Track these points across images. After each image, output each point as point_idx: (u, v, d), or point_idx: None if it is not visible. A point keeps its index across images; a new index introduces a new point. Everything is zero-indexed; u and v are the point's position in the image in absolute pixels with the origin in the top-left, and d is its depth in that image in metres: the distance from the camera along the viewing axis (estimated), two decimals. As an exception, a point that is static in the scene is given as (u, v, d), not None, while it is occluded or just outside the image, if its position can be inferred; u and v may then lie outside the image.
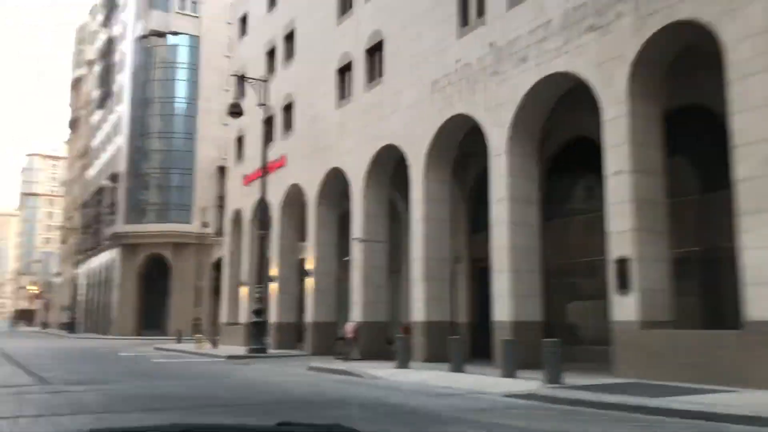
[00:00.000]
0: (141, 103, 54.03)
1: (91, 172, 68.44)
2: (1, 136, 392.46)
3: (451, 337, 15.67)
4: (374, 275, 21.41)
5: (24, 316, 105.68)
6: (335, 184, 24.01)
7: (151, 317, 55.50)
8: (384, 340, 21.14)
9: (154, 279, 56.46)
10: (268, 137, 27.66)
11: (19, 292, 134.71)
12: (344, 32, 23.73)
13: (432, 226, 18.88)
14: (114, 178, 56.19)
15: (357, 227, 21.81)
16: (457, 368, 14.53)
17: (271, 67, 29.19)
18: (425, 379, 13.48)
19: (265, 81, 24.99)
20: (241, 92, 31.54)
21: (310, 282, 24.57)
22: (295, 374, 15.82)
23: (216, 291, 54.19)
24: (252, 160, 29.24)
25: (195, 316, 47.79)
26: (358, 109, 22.46)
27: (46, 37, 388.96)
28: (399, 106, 20.23)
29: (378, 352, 20.39)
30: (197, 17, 54.99)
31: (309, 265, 24.75)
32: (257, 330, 23.19)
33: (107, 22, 66.88)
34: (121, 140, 56.30)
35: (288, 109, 27.56)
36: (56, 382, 13.01)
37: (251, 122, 29.61)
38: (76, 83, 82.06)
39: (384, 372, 14.85)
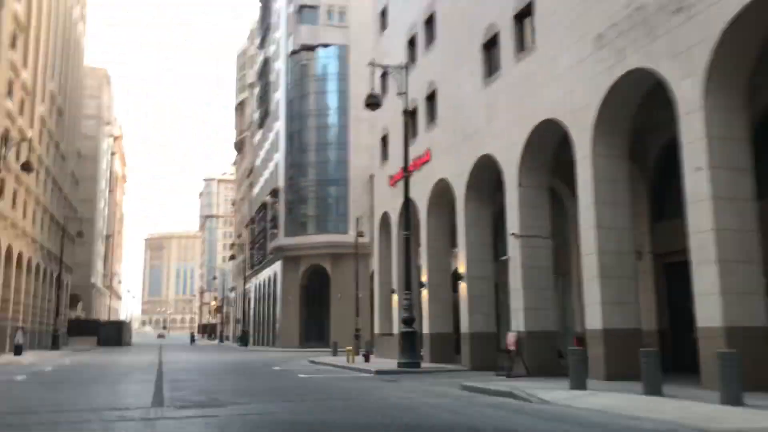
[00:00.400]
0: (295, 118, 54.62)
1: (256, 190, 70.86)
2: (181, 163, 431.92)
3: (643, 348, 12.14)
4: (537, 277, 18.21)
5: (207, 330, 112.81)
6: (486, 174, 21.14)
7: (314, 329, 55.57)
8: (553, 353, 17.86)
9: (315, 290, 56.59)
10: (411, 132, 25.46)
11: (203, 307, 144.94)
12: (487, 2, 20.89)
13: (606, 213, 15.39)
14: (274, 193, 57.28)
15: (513, 221, 18.76)
16: (654, 390, 11.07)
17: (412, 56, 27.00)
18: (611, 404, 10.21)
19: (404, 67, 22.76)
20: (383, 88, 29.72)
21: (463, 288, 21.83)
22: (443, 395, 13.16)
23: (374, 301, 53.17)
24: (397, 159, 27.18)
25: (355, 327, 46.70)
26: (507, 85, 19.48)
27: (212, 65, 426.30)
28: (556, 73, 16.99)
29: (547, 367, 17.17)
30: (345, 27, 54.65)
31: (461, 268, 22.03)
32: (407, 341, 20.85)
33: (263, 43, 69.18)
34: (279, 156, 57.32)
35: (431, 98, 25.17)
36: (174, 403, 11.45)
37: (394, 120, 27.64)
38: (240, 107, 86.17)
39: (555, 395, 11.74)
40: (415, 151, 25.55)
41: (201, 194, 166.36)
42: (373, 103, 22.03)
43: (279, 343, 52.70)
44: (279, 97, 58.76)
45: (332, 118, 53.23)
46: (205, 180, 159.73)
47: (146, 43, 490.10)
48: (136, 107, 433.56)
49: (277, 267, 55.35)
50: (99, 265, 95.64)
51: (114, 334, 68.72)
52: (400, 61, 26.99)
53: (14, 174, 38.91)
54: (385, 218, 29.52)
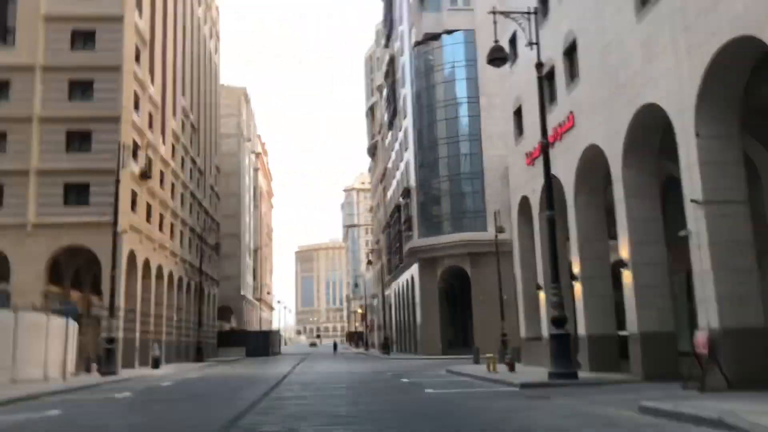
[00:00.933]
0: (423, 112, 51.67)
1: (389, 193, 68.76)
2: (322, 172, 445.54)
3: None
4: (733, 255, 13.55)
5: (354, 338, 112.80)
6: (648, 130, 16.67)
7: (457, 334, 52.03)
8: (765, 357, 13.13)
9: (455, 293, 53.08)
10: (548, 97, 21.37)
11: (350, 315, 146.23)
12: None
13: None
14: (406, 193, 54.60)
15: (692, 184, 14.21)
16: None
17: (543, 9, 22.85)
18: None
19: (533, 13, 18.78)
20: (513, 53, 25.74)
21: (627, 276, 17.40)
22: (616, 423, 9.20)
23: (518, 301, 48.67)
24: (533, 132, 23.17)
25: (501, 331, 42.60)
26: (671, 9, 14.97)
27: (344, 72, 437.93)
28: (745, -28, 12.37)
29: (755, 376, 12.52)
30: (470, 10, 50.88)
31: (623, 253, 17.60)
32: (558, 346, 16.82)
33: (388, 41, 67.10)
34: (409, 154, 54.60)
35: (570, 52, 20.92)
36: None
37: (527, 87, 23.66)
38: (371, 111, 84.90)
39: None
40: (554, 119, 21.41)
41: (342, 205, 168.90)
42: (497, 58, 18.21)
43: (421, 350, 49.73)
44: (405, 92, 56.10)
45: (462, 109, 49.58)
46: (345, 191, 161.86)
47: (278, 58, 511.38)
48: (273, 121, 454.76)
49: (413, 270, 52.51)
50: (248, 278, 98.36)
51: (261, 343, 69.31)
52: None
53: (145, 187, 39.11)
54: (524, 205, 25.48)
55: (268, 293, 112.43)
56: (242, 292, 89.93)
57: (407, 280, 56.15)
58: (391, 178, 67.41)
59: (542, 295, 23.62)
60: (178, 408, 13.85)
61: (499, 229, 42.26)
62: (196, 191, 55.66)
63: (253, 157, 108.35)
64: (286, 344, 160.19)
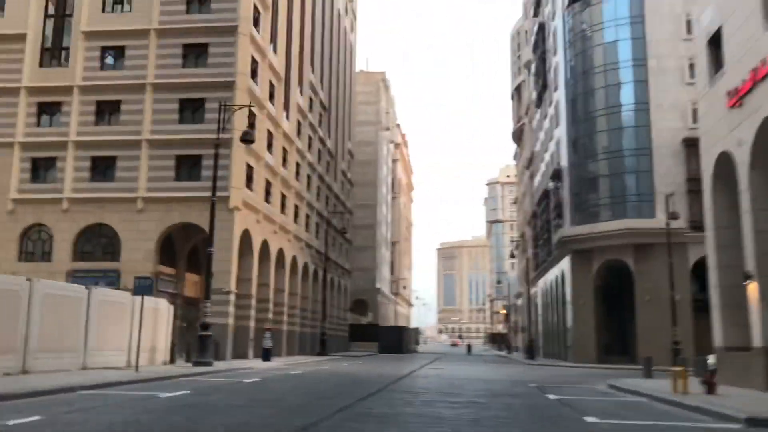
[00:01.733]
0: (577, 81, 44.62)
1: (537, 179, 61.90)
2: (465, 164, 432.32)
3: None
4: None
5: (496, 340, 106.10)
6: None
7: (615, 340, 44.45)
8: None
9: (614, 292, 45.44)
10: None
11: (493, 316, 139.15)
12: None
13: None
14: (556, 176, 47.74)
15: None
16: None
17: None
18: None
19: None
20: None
21: None
22: None
23: (698, 305, 40.31)
24: (741, 60, 16.38)
25: (672, 338, 34.93)
26: None
27: (485, 56, 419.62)
28: None
29: None
30: (635, -41, 43.15)
31: None
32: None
33: (537, 10, 60.25)
34: (560, 131, 47.68)
35: None
36: None
37: (728, 4, 16.90)
38: (516, 92, 78.07)
39: None
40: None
41: (486, 199, 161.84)
42: None
43: (571, 357, 42.82)
44: (557, 60, 49.17)
45: (625, 74, 41.96)
46: (488, 184, 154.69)
47: (417, 43, 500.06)
48: (413, 110, 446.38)
49: (564, 264, 45.61)
50: (385, 271, 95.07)
51: (395, 340, 65.22)
52: None
53: (263, 163, 35.83)
54: (722, 164, 18.53)
55: (404, 287, 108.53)
56: (377, 285, 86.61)
57: (556, 277, 49.25)
58: (538, 161, 60.51)
59: (753, 287, 16.72)
60: (202, 420, 9.23)
61: (673, 215, 34.60)
62: (325, 174, 52.39)
63: (391, 147, 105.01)
64: (426, 343, 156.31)
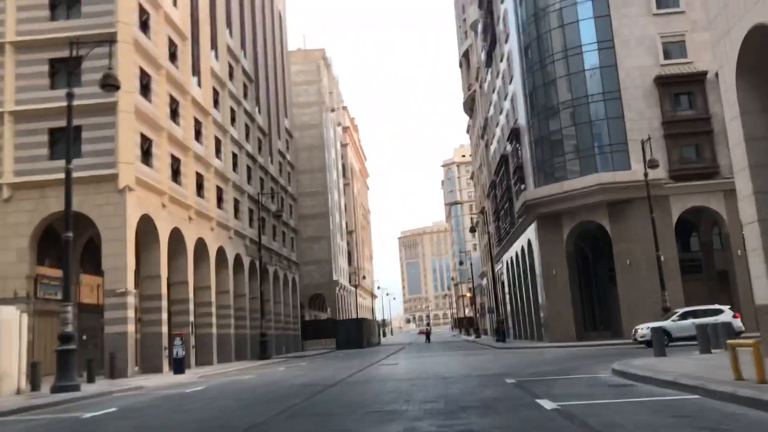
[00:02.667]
0: (529, 25, 39.41)
1: (493, 146, 56.81)
2: (420, 145, 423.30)
3: None
4: None
5: (463, 324, 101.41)
6: None
7: (596, 313, 39.72)
8: None
9: (590, 259, 40.69)
10: None
11: (459, 300, 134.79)
12: None
13: None
14: (514, 135, 42.55)
15: None
16: None
17: None
18: None
19: None
20: None
21: None
22: None
23: (686, 266, 35.63)
24: None
25: (663, 305, 30.14)
26: None
27: (431, 32, 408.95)
28: None
29: None
30: None
31: None
32: None
33: (479, -39, 54.97)
34: (515, 85, 42.48)
35: None
36: None
37: None
38: (465, 59, 72.91)
39: None
40: None
41: (443, 182, 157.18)
42: None
43: (547, 336, 37.80)
44: (505, 8, 43.91)
45: (583, 9, 36.86)
46: (444, 166, 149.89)
47: (358, 21, 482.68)
48: (361, 93, 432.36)
49: (530, 234, 40.54)
50: (342, 262, 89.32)
51: (354, 334, 59.56)
52: None
53: (165, 134, 29.60)
54: (752, 46, 13.12)
55: (364, 277, 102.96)
56: (335, 277, 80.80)
57: (522, 248, 44.20)
58: (493, 127, 55.39)
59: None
60: None
61: (651, 164, 29.71)
62: (256, 154, 46.25)
63: (339, 130, 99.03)
64: (392, 333, 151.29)
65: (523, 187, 41.02)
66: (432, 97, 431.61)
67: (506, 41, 44.44)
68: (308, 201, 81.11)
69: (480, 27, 57.53)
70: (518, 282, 47.97)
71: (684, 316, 27.09)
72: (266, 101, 51.31)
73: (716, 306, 28.24)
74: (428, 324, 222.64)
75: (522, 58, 40.28)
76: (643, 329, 26.66)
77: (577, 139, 36.26)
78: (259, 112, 48.77)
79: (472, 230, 52.19)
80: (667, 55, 35.13)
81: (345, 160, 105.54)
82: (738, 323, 26.41)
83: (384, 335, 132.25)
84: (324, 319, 70.47)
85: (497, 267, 58.57)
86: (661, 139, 34.34)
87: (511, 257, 50.40)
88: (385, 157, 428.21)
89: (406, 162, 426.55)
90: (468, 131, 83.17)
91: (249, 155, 44.16)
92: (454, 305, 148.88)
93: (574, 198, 35.17)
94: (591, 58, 36.11)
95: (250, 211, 43.59)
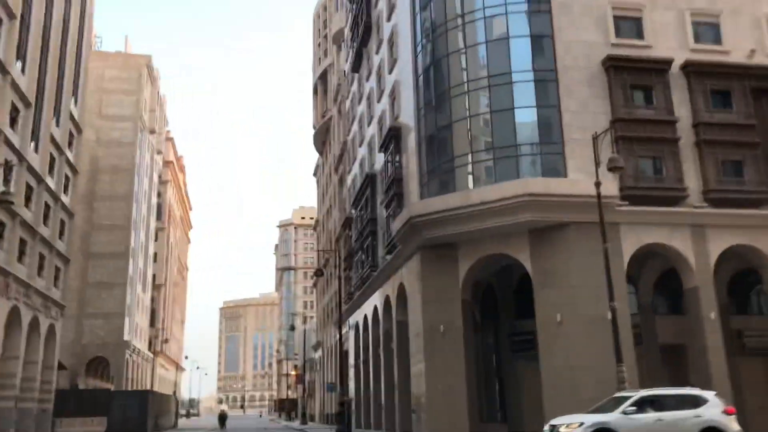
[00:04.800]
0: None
1: (353, 172, 44.56)
2: (253, 200, 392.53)
3: None
4: None
5: (285, 407, 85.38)
6: None
7: (500, 396, 27.62)
8: None
9: (496, 313, 28.87)
10: None
11: (281, 379, 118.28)
12: None
13: None
14: (393, 139, 30.47)
15: None
16: None
17: None
18: None
19: None
20: None
21: None
22: None
23: (645, 324, 24.53)
24: None
25: (619, 382, 18.43)
26: None
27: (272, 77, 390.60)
28: None
29: None
30: None
31: None
32: None
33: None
34: (400, 69, 30.83)
35: None
36: None
37: None
38: (320, 81, 61.47)
39: None
40: None
41: (277, 245, 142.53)
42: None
43: (422, 427, 24.67)
44: (392, -25, 32.78)
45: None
46: (280, 227, 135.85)
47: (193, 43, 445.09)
48: (195, 140, 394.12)
49: (405, 275, 28.01)
50: (140, 320, 70.94)
51: (133, 412, 42.32)
52: None
53: None
54: None
55: (166, 341, 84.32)
56: (126, 337, 62.51)
57: (386, 299, 31.45)
58: (355, 149, 43.36)
59: None
60: None
61: (614, 165, 18.74)
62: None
63: (158, 159, 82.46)
64: (198, 414, 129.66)
65: (397, 211, 28.73)
66: (271, 155, 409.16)
67: (388, 18, 33.10)
68: (103, 236, 63.27)
69: (349, 22, 46.29)
70: (376, 348, 34.85)
71: (640, 405, 15.58)
72: (41, 61, 35.43)
73: (691, 390, 17.06)
74: (242, 405, 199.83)
75: (414, 27, 28.89)
76: (574, 428, 14.72)
77: (494, 134, 24.80)
78: (23, 69, 32.85)
79: (318, 273, 38.79)
80: (619, 33, 25.34)
81: (163, 198, 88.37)
82: (735, 427, 15.53)
83: (188, 416, 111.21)
84: (91, 389, 52.25)
85: (345, 330, 45.03)
86: (610, 144, 23.84)
87: (366, 315, 37.37)
88: (215, 214, 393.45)
89: (238, 223, 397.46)
90: (315, 173, 70.82)
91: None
92: (275, 385, 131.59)
93: (483, 216, 23.24)
94: (518, 23, 25.33)
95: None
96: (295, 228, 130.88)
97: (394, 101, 31.77)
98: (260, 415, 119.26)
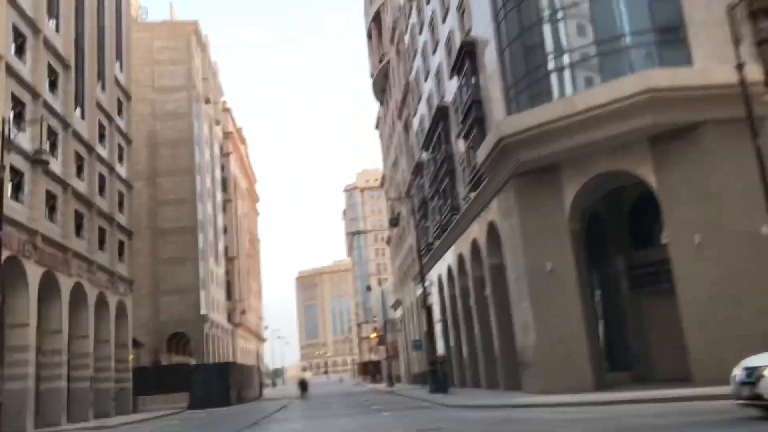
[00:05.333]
0: None
1: (419, 114, 40.74)
2: (318, 182, 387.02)
3: None
4: None
5: (369, 370, 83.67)
6: None
7: (627, 342, 23.71)
8: None
9: (599, 249, 24.90)
10: None
11: (362, 343, 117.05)
12: None
13: None
14: (466, 56, 26.35)
15: None
16: None
17: None
18: None
19: None
20: None
21: None
22: None
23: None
24: None
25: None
26: None
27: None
28: None
29: None
30: None
31: None
32: None
33: None
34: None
35: None
36: None
37: None
38: (374, 24, 57.30)
39: None
40: None
41: (344, 211, 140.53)
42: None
43: (533, 383, 21.06)
44: None
45: None
46: (346, 191, 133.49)
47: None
48: (250, 114, 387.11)
49: (495, 211, 24.26)
50: (216, 293, 69.89)
51: (216, 386, 40.64)
52: None
53: None
54: None
55: (243, 312, 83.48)
56: (203, 311, 61.35)
57: (474, 243, 27.82)
58: (421, 84, 39.42)
59: None
60: None
61: (763, 39, 14.24)
62: (43, 91, 27.59)
63: (218, 130, 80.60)
64: (284, 383, 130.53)
65: (478, 138, 24.82)
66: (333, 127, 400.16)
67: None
68: (169, 211, 61.91)
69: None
70: (462, 302, 31.34)
71: None
72: (76, 20, 32.89)
73: None
74: (325, 371, 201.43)
75: None
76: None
77: (594, 23, 20.36)
78: (57, 28, 30.31)
79: (394, 223, 34.95)
80: None
81: (227, 171, 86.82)
82: None
83: (274, 386, 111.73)
84: (171, 364, 51.12)
85: (424, 284, 41.66)
86: (741, 23, 19.07)
87: (449, 266, 33.84)
88: (279, 186, 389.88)
89: (304, 193, 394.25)
90: (377, 126, 67.14)
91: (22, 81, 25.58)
92: (356, 349, 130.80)
93: (592, 125, 19.06)
94: None
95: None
96: (360, 191, 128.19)
97: (463, 15, 27.60)
98: (340, 380, 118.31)
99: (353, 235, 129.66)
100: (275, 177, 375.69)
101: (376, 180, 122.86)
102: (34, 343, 25.40)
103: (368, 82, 61.46)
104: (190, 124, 64.25)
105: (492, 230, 25.25)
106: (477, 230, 27.30)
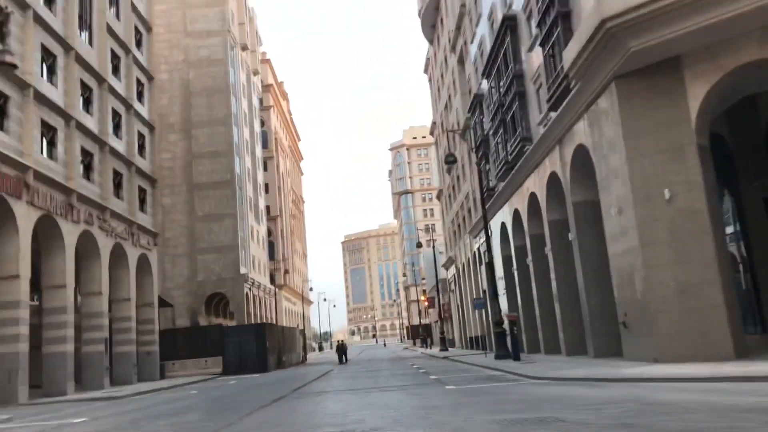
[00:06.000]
0: None
1: (477, 37, 35.14)
2: (363, 141, 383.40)
3: None
4: None
5: (418, 334, 79.48)
6: None
7: (748, 294, 18.15)
8: None
9: (724, 177, 19.21)
10: None
11: (410, 306, 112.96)
12: None
13: None
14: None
15: None
16: None
17: None
18: None
19: None
20: None
21: None
22: None
23: None
24: None
25: None
26: None
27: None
28: None
29: None
30: None
31: None
32: None
33: None
34: None
35: None
36: None
37: None
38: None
39: None
40: None
41: (390, 170, 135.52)
42: None
43: (638, 348, 15.92)
44: None
45: None
46: (392, 149, 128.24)
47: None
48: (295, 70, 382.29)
49: (587, 129, 18.91)
50: (257, 251, 66.29)
51: (251, 350, 36.79)
52: None
53: None
54: None
55: (286, 272, 79.91)
56: (243, 270, 57.76)
57: (551, 176, 22.55)
58: (478, 5, 33.74)
59: None
60: None
61: None
62: (39, 7, 23.22)
63: (256, 80, 76.13)
64: (331, 347, 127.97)
65: (563, 38, 19.37)
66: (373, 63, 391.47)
67: None
68: (205, 164, 58.18)
69: None
70: (535, 251, 26.16)
71: None
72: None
73: None
74: (374, 335, 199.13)
75: None
76: None
77: None
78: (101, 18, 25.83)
79: (450, 159, 29.96)
80: None
81: (267, 125, 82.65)
82: None
83: (321, 350, 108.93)
84: (203, 326, 47.69)
85: (482, 240, 36.53)
86: None
87: (516, 210, 28.61)
88: (326, 150, 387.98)
89: (349, 153, 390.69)
90: (426, 69, 61.47)
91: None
92: (404, 313, 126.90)
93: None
94: None
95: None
96: (407, 149, 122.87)
97: None
98: (384, 344, 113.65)
99: (400, 195, 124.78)
100: (321, 140, 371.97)
101: (424, 137, 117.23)
102: (27, 299, 21.45)
103: (416, 37, 55.94)
104: (225, 72, 59.94)
105: (578, 157, 19.95)
106: (557, 160, 22.00)
